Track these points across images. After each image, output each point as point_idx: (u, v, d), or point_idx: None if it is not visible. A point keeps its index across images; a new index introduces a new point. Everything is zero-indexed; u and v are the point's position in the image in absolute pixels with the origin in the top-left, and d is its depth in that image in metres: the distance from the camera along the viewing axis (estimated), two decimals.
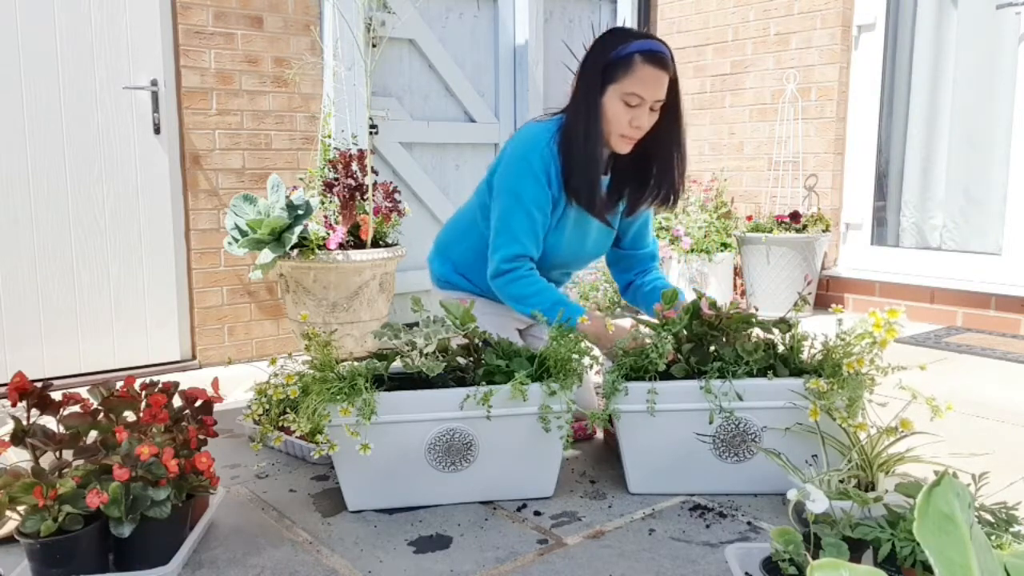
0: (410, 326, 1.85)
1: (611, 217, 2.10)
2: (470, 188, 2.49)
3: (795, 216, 4.02)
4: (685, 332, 1.83)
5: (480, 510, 1.80)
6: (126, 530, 1.42)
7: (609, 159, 2.06)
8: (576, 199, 1.98)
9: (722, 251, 4.15)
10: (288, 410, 1.95)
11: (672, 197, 2.06)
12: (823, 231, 4.03)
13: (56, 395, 1.58)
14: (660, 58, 1.89)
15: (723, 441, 1.80)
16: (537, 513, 1.78)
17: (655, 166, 2.03)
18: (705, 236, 4.16)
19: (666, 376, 1.81)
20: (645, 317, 1.97)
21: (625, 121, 1.91)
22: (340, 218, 3.07)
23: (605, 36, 1.95)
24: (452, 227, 2.33)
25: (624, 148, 1.97)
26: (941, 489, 0.92)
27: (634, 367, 1.80)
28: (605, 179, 2.05)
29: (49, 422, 1.55)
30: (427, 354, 1.78)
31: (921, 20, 4.04)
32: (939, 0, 3.97)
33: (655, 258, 2.29)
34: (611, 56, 1.90)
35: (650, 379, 1.78)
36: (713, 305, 1.81)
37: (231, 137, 3.23)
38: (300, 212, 2.93)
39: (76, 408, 1.57)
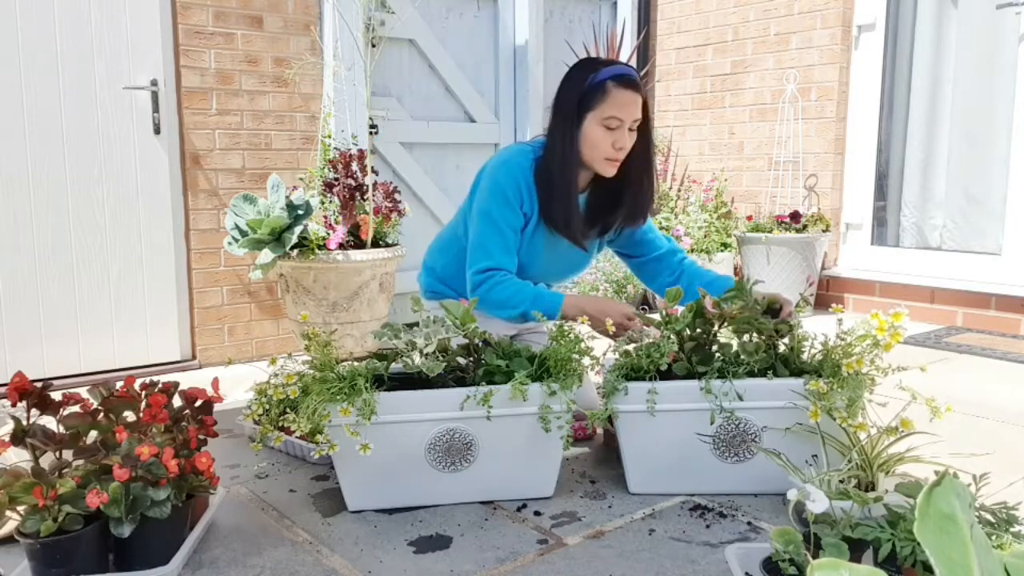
0: (410, 326, 1.85)
1: (587, 240, 2.18)
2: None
3: (795, 216, 4.02)
4: (688, 331, 1.83)
5: (480, 510, 1.80)
6: (126, 530, 1.42)
7: (589, 184, 2.15)
8: (554, 225, 2.08)
9: (722, 251, 4.15)
10: (288, 410, 1.96)
11: (643, 216, 2.19)
12: (823, 231, 4.03)
13: (56, 395, 1.58)
14: (631, 81, 2.01)
15: (723, 441, 1.80)
16: (537, 513, 1.78)
17: (629, 187, 2.13)
18: (705, 236, 4.16)
19: (667, 375, 1.81)
20: (649, 315, 1.96)
21: (608, 144, 2.01)
22: (340, 218, 3.07)
23: (575, 68, 2.06)
24: (437, 242, 2.41)
25: (610, 171, 2.06)
26: (942, 489, 0.92)
27: (634, 367, 1.80)
28: (582, 200, 2.15)
29: (49, 422, 1.54)
30: (427, 354, 1.78)
31: (921, 20, 4.04)
32: (939, 0, 3.97)
33: (676, 252, 2.33)
34: (586, 86, 2.01)
35: (650, 379, 1.79)
36: (717, 304, 1.81)
37: (231, 137, 3.23)
38: (300, 212, 2.93)
39: (76, 408, 1.57)
